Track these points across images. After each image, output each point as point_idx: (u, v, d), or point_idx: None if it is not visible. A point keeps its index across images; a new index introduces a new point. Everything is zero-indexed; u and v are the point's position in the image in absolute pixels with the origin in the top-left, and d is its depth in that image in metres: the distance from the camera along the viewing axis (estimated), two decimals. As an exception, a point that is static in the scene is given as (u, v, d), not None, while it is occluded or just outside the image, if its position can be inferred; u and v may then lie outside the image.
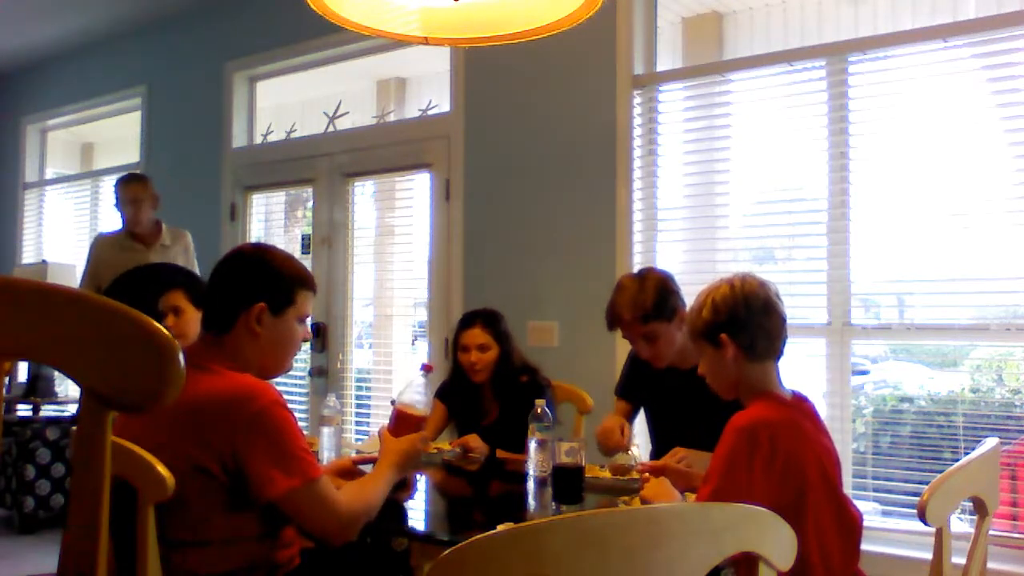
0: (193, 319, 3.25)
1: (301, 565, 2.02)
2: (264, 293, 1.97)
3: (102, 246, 4.57)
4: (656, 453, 2.79)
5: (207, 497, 1.80)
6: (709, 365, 1.99)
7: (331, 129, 5.07)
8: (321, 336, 4.89)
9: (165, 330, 0.80)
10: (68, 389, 5.82)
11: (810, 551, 1.79)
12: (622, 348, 3.79)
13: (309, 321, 2.14)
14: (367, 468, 2.27)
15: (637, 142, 3.87)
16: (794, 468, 1.80)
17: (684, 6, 4.16)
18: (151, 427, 1.78)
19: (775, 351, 1.94)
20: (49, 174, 6.96)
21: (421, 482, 2.69)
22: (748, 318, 1.90)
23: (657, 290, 2.65)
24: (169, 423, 1.78)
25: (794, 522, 1.78)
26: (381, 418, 4.42)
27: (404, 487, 2.22)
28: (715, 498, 1.77)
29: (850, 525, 1.89)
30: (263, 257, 2.05)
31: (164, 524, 1.75)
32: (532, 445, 2.53)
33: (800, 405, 1.96)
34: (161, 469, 1.67)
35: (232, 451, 1.79)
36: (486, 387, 3.18)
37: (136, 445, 1.70)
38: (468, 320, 3.20)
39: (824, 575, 1.82)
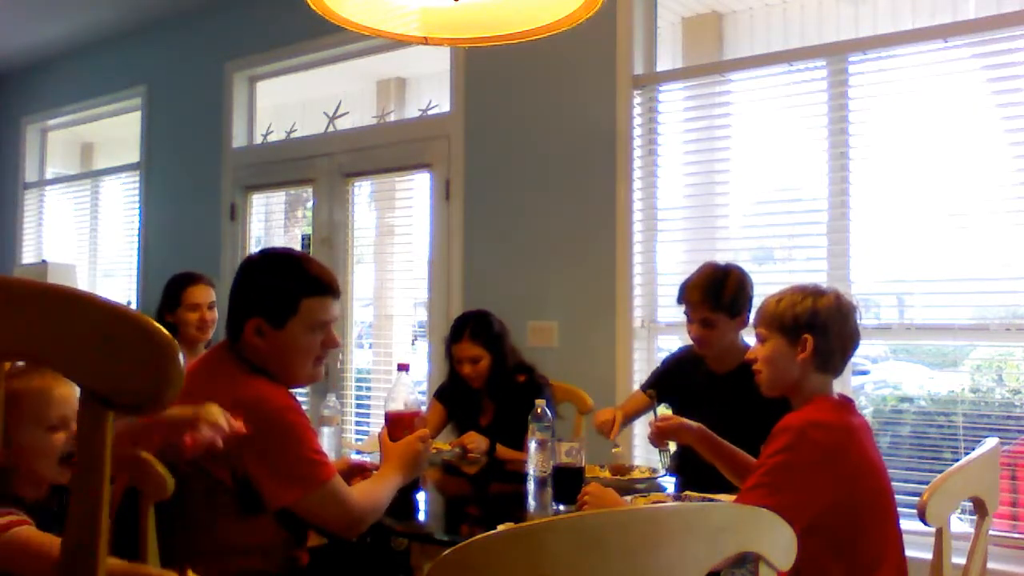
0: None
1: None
2: (261, 307, 1.93)
3: None
4: (682, 454, 2.80)
5: (218, 504, 1.80)
6: (772, 355, 1.98)
7: (331, 129, 5.07)
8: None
9: (165, 330, 0.80)
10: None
11: (885, 543, 1.83)
12: (622, 348, 3.79)
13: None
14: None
15: (637, 142, 3.87)
16: (851, 466, 1.82)
17: (684, 6, 4.16)
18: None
19: (840, 369, 2.00)
20: (49, 174, 6.95)
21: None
22: (841, 333, 1.95)
23: (736, 287, 2.72)
24: None
25: (857, 517, 1.76)
26: (381, 418, 4.40)
27: (413, 485, 2.22)
28: (768, 494, 1.73)
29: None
30: (266, 267, 2.02)
31: (175, 532, 1.75)
32: (532, 445, 2.53)
33: (850, 406, 1.99)
34: (161, 469, 1.67)
35: (240, 460, 1.79)
36: (483, 389, 3.18)
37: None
38: (457, 332, 3.17)
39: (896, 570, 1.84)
